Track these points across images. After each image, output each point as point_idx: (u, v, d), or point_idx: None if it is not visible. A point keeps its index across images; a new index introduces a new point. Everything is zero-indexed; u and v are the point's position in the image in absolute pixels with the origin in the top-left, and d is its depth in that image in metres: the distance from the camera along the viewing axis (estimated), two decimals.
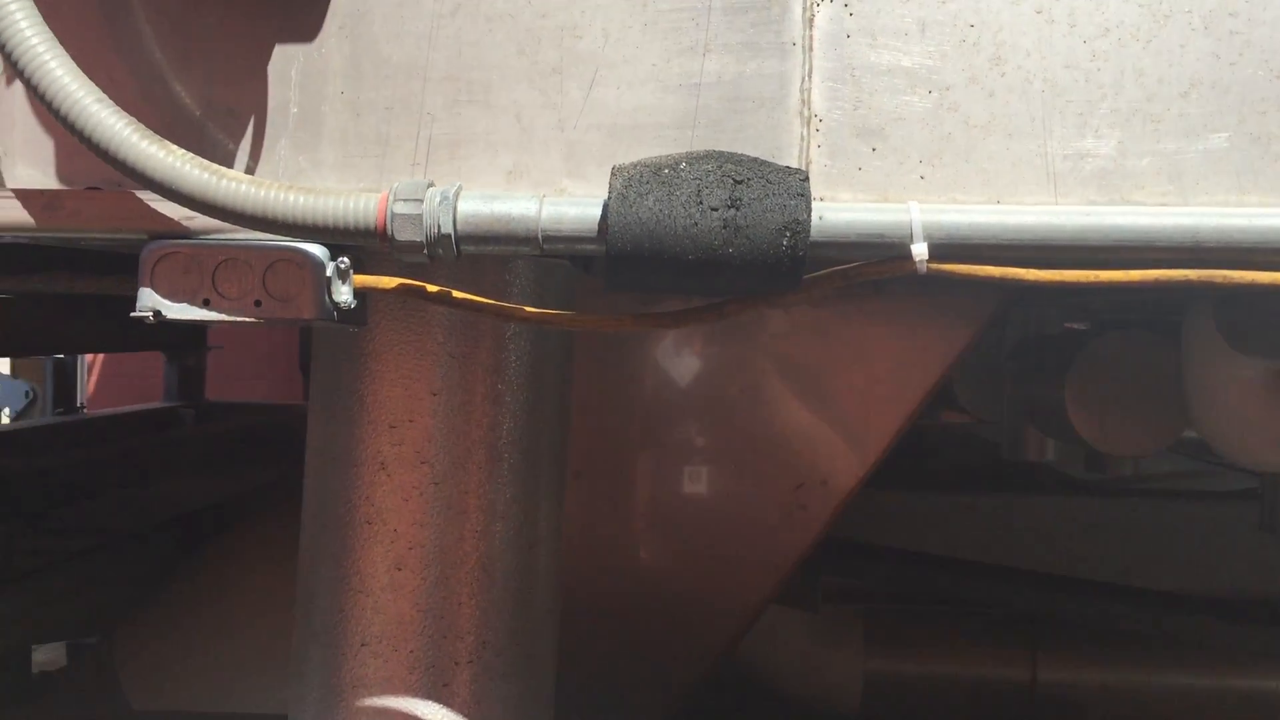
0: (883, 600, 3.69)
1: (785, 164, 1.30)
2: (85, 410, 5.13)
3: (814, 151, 1.36)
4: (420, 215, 1.24)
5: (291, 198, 1.26)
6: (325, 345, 1.71)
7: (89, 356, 5.70)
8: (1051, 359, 3.10)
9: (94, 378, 5.90)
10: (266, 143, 1.42)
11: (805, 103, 1.37)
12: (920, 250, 1.19)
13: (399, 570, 1.65)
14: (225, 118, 1.42)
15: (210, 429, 4.57)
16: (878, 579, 3.59)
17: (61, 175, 1.40)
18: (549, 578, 1.77)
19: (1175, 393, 2.76)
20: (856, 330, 2.59)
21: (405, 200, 1.24)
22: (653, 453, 2.64)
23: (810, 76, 1.37)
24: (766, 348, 2.60)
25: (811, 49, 1.37)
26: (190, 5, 1.40)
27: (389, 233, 1.25)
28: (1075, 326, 3.49)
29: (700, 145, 1.37)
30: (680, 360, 2.63)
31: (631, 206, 1.18)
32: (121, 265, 1.59)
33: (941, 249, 1.21)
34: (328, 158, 1.42)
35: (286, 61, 1.42)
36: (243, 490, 3.77)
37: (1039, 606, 3.31)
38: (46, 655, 3.84)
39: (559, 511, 1.80)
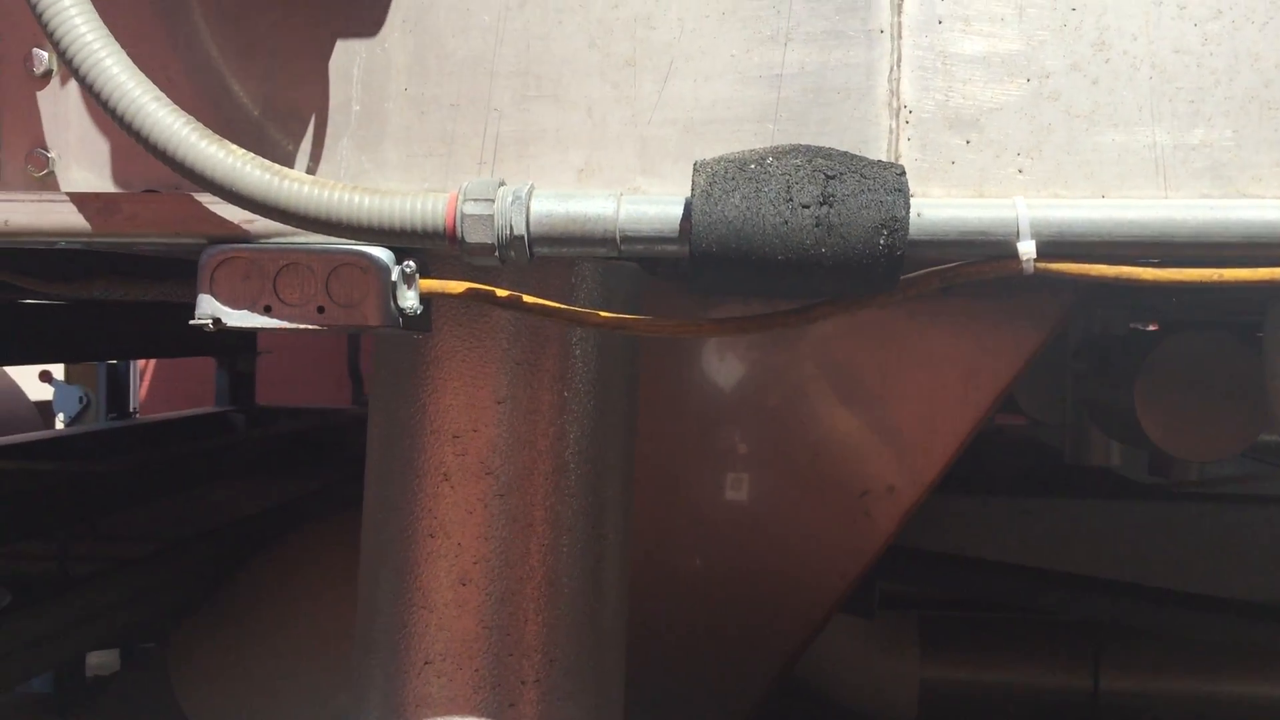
0: (940, 606, 3.62)
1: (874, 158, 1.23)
2: (138, 415, 5.14)
3: (903, 145, 1.29)
4: (491, 216, 1.17)
5: (356, 199, 1.20)
6: (386, 352, 1.66)
7: (141, 362, 5.70)
8: (1119, 360, 3.01)
9: (146, 383, 5.91)
10: (328, 142, 1.36)
11: (894, 93, 1.29)
12: (1027, 248, 1.11)
13: (463, 585, 1.59)
14: (285, 117, 1.36)
15: (262, 434, 4.55)
16: (935, 585, 3.51)
17: (118, 178, 1.35)
18: (617, 593, 1.71)
19: (1250, 395, 2.67)
20: (923, 332, 2.51)
21: (475, 200, 1.18)
22: (711, 460, 2.57)
23: (899, 65, 1.29)
24: (829, 351, 2.53)
25: (900, 36, 1.29)
26: (250, 2, 1.35)
27: (459, 235, 1.18)
28: (1140, 327, 3.40)
29: (782, 139, 1.29)
30: (739, 364, 2.56)
31: (716, 204, 1.11)
32: (177, 270, 1.54)
33: (1049, 247, 1.13)
34: (391, 157, 1.36)
35: (348, 58, 1.36)
36: (295, 496, 3.74)
37: (1101, 613, 3.24)
38: (101, 660, 3.83)
39: (626, 524, 1.73)
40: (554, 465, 1.60)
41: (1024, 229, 1.11)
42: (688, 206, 1.16)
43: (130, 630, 3.31)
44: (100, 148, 1.36)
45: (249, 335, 4.76)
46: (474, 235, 1.18)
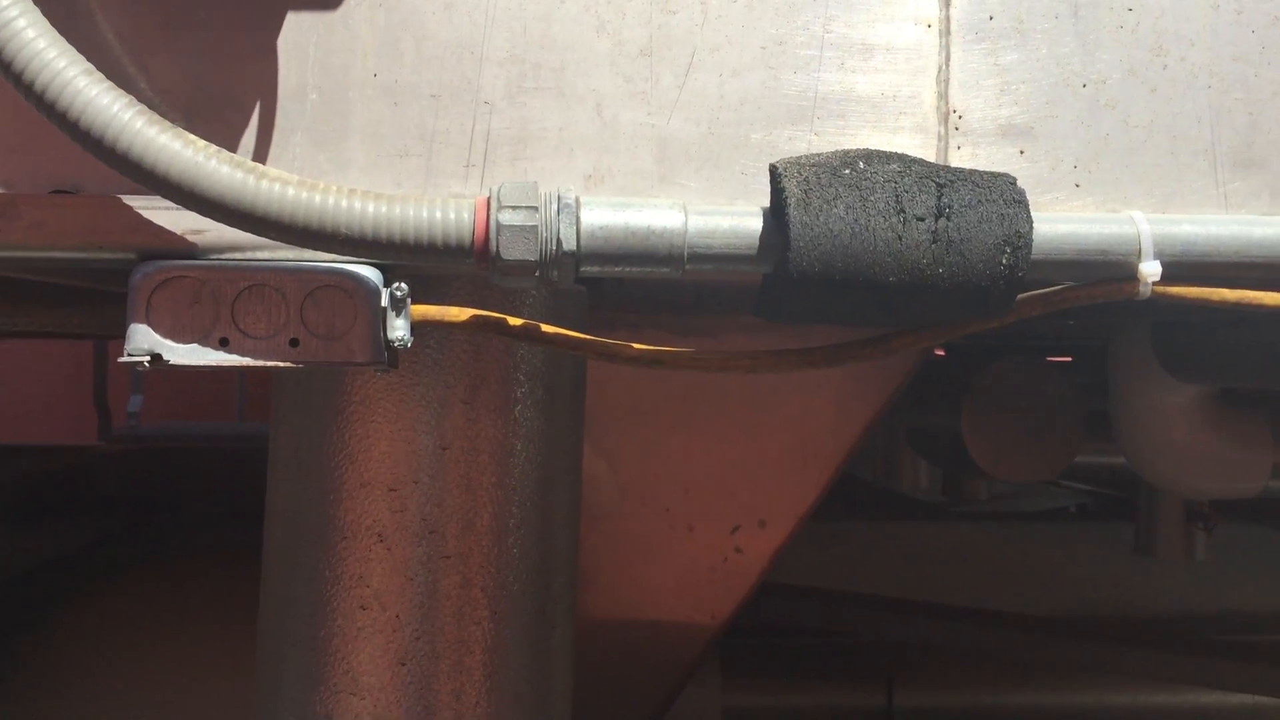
0: (739, 633, 3.59)
1: None
2: None
3: (953, 153, 1.15)
4: (535, 227, 0.95)
5: (357, 205, 0.96)
6: (292, 388, 1.39)
7: None
8: (938, 386, 3.03)
9: None
10: (276, 137, 1.11)
11: (943, 96, 1.16)
12: (1152, 269, 0.99)
13: (402, 665, 1.34)
14: (220, 105, 1.10)
15: None
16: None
17: (3, 177, 1.05)
18: (564, 661, 1.50)
19: (1068, 417, 2.74)
20: None
21: (514, 208, 0.96)
22: None
23: (948, 65, 1.16)
24: (693, 376, 2.39)
25: (949, 32, 1.16)
26: None
27: (493, 250, 0.96)
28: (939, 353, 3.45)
29: (821, 144, 1.14)
30: (603, 393, 2.38)
31: (818, 215, 0.94)
32: (70, 296, 1.23)
33: (1170, 268, 1.01)
34: (356, 157, 1.11)
35: (302, 35, 1.11)
36: (59, 554, 3.26)
37: (895, 633, 3.29)
38: None
39: (572, 582, 1.53)
40: (503, 520, 1.38)
41: (1147, 247, 0.99)
42: (769, 218, 0.98)
43: None
44: None
45: None
46: (512, 251, 0.95)
